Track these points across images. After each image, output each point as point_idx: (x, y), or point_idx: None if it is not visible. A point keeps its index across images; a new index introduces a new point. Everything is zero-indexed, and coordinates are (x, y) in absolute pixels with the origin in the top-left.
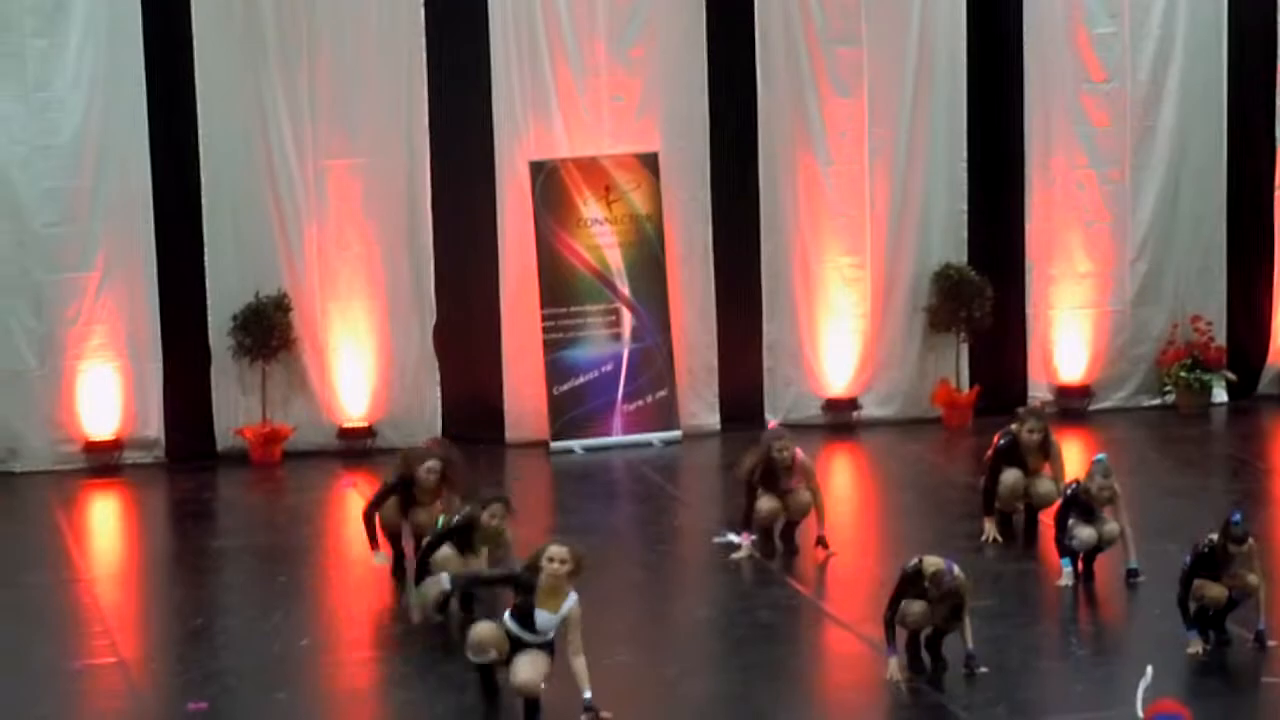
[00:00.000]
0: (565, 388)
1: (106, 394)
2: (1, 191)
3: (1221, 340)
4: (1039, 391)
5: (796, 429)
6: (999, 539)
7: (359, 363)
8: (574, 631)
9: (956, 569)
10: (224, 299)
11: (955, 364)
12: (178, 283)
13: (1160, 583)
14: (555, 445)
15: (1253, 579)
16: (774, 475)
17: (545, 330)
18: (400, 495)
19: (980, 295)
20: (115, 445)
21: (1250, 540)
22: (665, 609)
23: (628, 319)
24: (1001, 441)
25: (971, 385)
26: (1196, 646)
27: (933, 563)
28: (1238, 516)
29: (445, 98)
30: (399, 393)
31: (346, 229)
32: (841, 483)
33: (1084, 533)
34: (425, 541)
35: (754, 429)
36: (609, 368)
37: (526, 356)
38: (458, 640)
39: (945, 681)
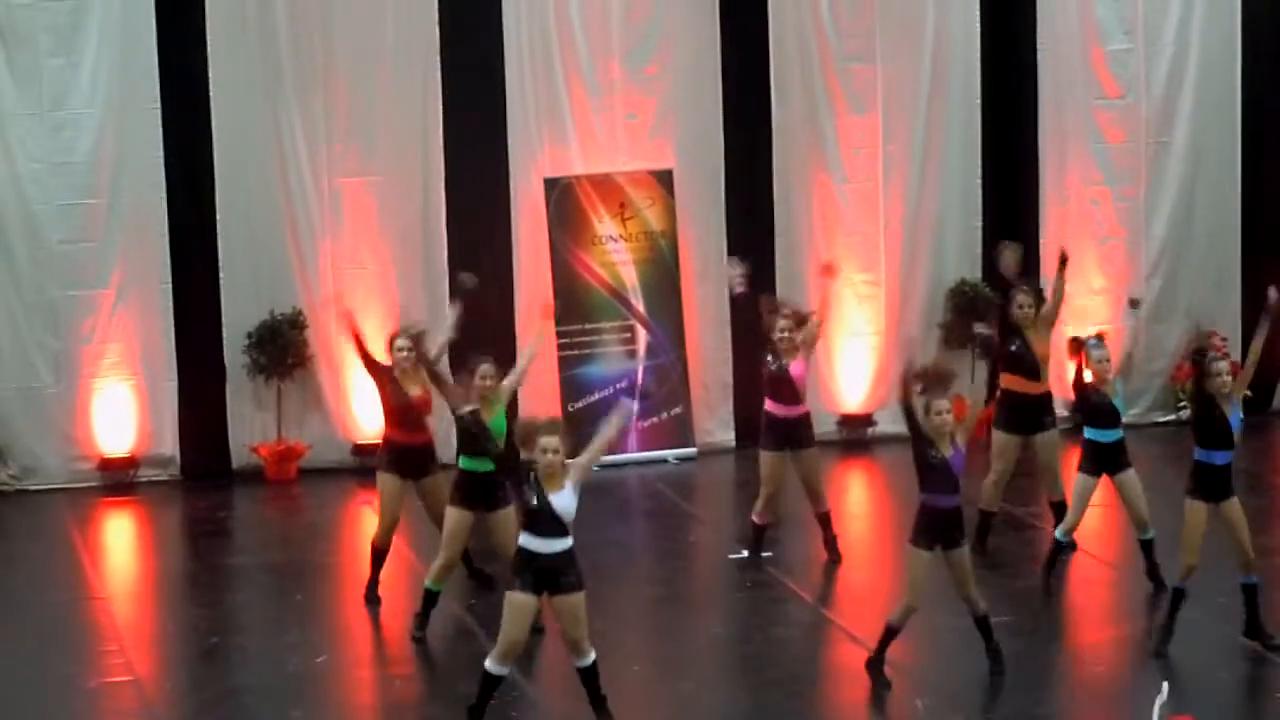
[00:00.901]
0: (580, 404)
1: (122, 411)
2: (17, 209)
3: (1236, 356)
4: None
5: None
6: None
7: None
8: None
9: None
10: (239, 316)
11: (970, 380)
12: (193, 300)
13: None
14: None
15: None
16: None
17: (560, 347)
18: (389, 392)
19: (994, 312)
20: (130, 463)
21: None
22: (681, 625)
23: (642, 336)
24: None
25: (987, 402)
26: None
27: None
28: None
29: (460, 115)
30: None
31: (361, 247)
32: (856, 499)
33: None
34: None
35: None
36: (623, 384)
37: (541, 373)
38: (473, 658)
39: (962, 699)
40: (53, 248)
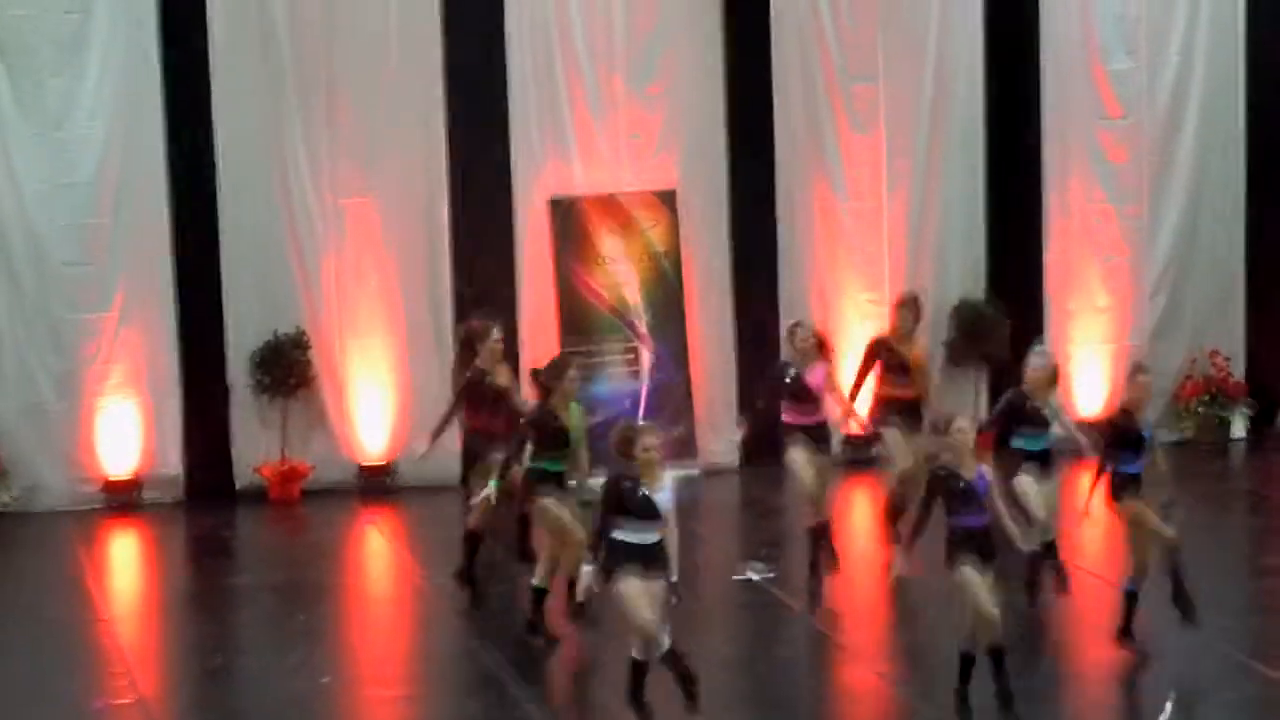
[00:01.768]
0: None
1: (126, 432)
2: (21, 229)
3: (1240, 375)
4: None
5: None
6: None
7: (378, 400)
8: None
9: None
10: (243, 336)
11: (974, 398)
12: (197, 320)
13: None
14: (573, 482)
15: None
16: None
17: None
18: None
19: (998, 330)
20: (134, 483)
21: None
22: (686, 645)
23: (646, 356)
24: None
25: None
26: None
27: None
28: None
29: (463, 134)
30: (418, 430)
31: (365, 266)
32: (860, 517)
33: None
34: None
35: (774, 464)
36: (628, 404)
37: None
38: (477, 677)
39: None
40: (57, 267)
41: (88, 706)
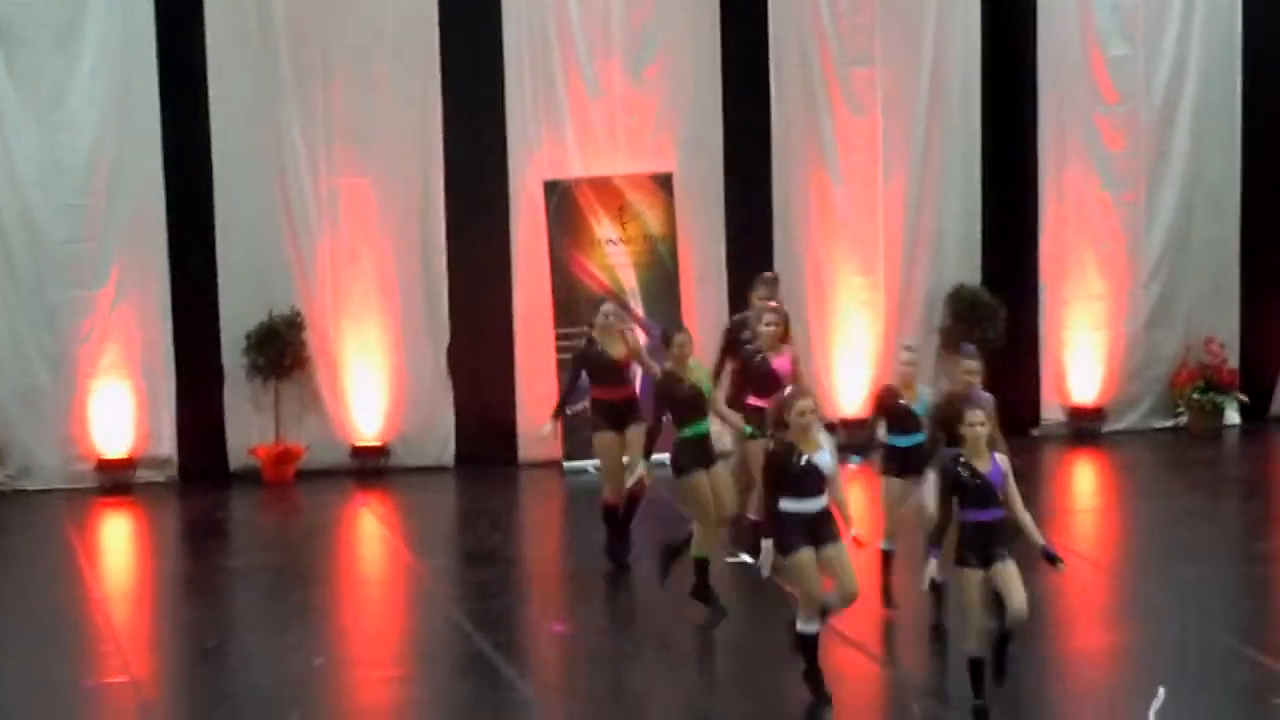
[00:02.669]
0: (579, 407)
1: (119, 412)
2: (16, 209)
3: (1234, 362)
4: (1052, 413)
5: None
6: None
7: (372, 382)
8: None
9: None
10: (237, 317)
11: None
12: (191, 301)
13: (1173, 606)
14: (569, 465)
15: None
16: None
17: (559, 350)
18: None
19: (993, 316)
20: (128, 464)
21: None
22: (680, 629)
23: (642, 339)
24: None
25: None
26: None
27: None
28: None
29: (459, 116)
30: (412, 412)
31: (360, 247)
32: (853, 505)
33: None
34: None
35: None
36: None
37: (540, 376)
38: (470, 659)
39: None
40: (52, 248)
41: (81, 686)
